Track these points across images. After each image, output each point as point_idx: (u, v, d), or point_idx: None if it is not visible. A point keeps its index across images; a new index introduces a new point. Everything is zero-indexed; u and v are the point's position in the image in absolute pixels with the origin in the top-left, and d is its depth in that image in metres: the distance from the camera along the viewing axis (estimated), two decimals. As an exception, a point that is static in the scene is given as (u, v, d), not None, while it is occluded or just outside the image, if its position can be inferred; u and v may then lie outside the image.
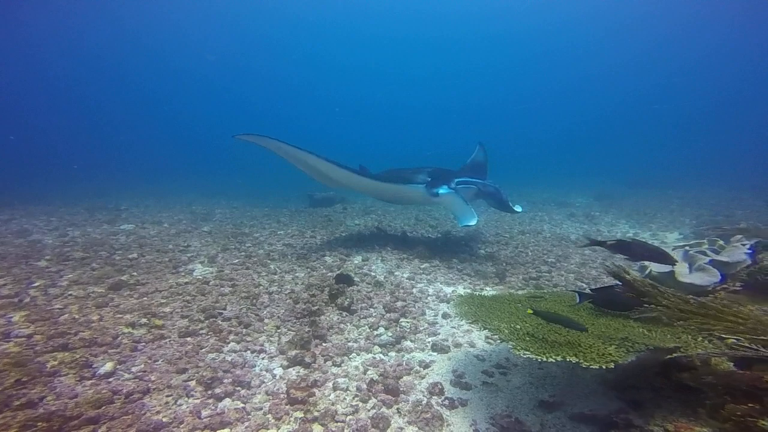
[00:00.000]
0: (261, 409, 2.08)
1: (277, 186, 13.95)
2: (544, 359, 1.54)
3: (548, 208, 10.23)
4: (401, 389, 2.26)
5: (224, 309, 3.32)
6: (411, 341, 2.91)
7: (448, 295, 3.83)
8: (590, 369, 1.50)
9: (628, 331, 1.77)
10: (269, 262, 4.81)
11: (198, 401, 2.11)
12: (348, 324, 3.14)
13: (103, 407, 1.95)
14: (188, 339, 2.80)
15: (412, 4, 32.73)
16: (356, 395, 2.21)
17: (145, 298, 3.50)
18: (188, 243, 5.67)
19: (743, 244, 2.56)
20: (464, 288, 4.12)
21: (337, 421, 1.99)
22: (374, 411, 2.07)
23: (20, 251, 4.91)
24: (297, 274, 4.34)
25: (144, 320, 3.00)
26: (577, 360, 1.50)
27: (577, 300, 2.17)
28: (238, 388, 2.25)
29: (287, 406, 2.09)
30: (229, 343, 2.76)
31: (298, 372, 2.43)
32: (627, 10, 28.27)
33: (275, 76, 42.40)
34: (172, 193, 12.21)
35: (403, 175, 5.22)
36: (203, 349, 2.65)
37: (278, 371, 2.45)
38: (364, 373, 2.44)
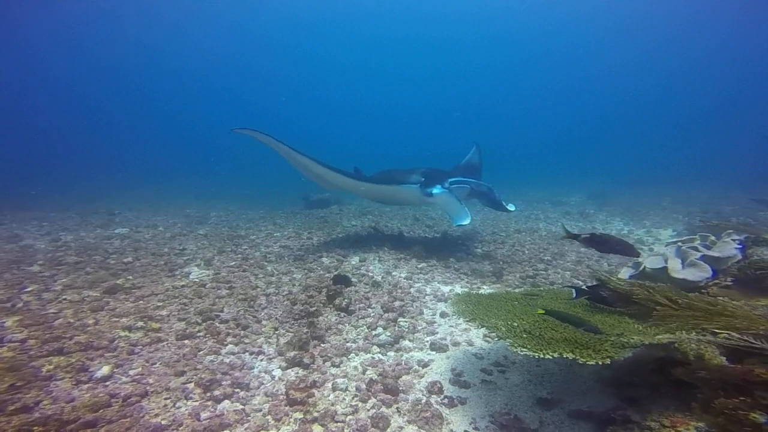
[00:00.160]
0: (260, 410, 2.08)
1: (271, 188, 13.89)
2: (542, 356, 1.56)
3: (544, 206, 10.32)
4: (400, 389, 2.27)
5: (221, 311, 3.30)
6: (409, 341, 2.92)
7: (446, 294, 3.85)
8: (587, 366, 1.51)
9: (623, 327, 1.80)
10: (266, 264, 4.80)
11: (197, 403, 2.10)
12: (346, 324, 3.14)
13: (101, 411, 1.93)
14: (186, 341, 2.78)
15: (412, 4, 32.85)
16: (355, 395, 2.21)
17: (141, 302, 3.46)
18: (184, 246, 5.62)
19: (734, 240, 2.61)
20: (462, 287, 4.15)
21: (336, 422, 1.99)
22: (374, 411, 2.08)
23: (11, 256, 4.83)
24: (294, 276, 4.33)
25: (140, 323, 2.97)
26: (574, 356, 1.52)
27: (574, 295, 2.20)
28: (237, 390, 2.24)
29: (287, 407, 2.08)
30: (227, 345, 2.75)
31: (297, 373, 2.43)
32: (627, 10, 28.61)
33: (275, 76, 42.30)
34: (166, 196, 12.09)
35: (397, 176, 5.25)
36: (201, 352, 2.64)
37: (277, 372, 2.45)
38: (363, 373, 2.44)
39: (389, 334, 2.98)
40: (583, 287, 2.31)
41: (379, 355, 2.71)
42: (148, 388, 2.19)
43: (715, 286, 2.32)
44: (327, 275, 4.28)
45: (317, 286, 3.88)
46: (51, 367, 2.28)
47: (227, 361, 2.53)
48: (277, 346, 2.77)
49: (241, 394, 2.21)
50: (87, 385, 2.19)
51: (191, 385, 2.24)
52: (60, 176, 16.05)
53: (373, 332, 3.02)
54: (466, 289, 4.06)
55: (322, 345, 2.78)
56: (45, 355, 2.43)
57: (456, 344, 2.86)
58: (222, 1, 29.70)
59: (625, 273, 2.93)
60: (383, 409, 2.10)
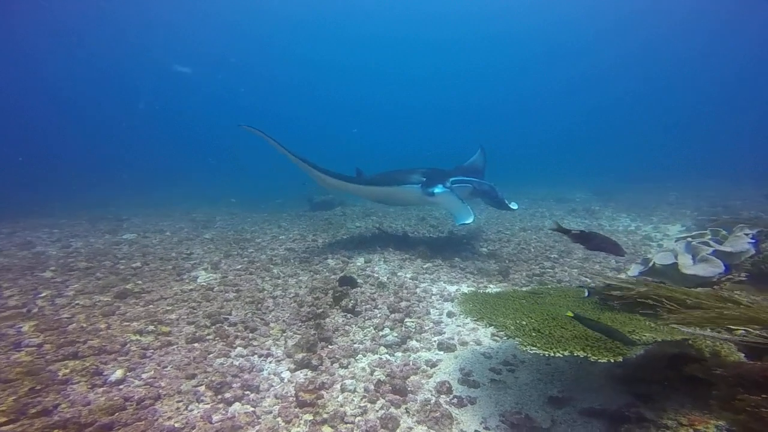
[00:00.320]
0: (271, 412, 2.10)
1: (273, 189, 13.96)
2: (552, 354, 1.55)
3: (548, 204, 10.24)
4: (409, 389, 2.27)
5: (230, 314, 3.33)
6: (417, 341, 2.92)
7: (452, 294, 3.84)
8: (598, 364, 1.50)
9: (634, 325, 1.78)
10: (272, 266, 4.83)
11: (208, 406, 2.13)
12: (353, 326, 3.15)
13: (116, 414, 1.97)
14: (196, 345, 2.81)
15: (412, 4, 32.87)
16: (364, 396, 2.22)
17: (151, 306, 3.51)
18: (191, 250, 5.69)
19: (746, 234, 2.56)
20: (468, 286, 4.13)
21: (346, 423, 2.00)
22: (383, 411, 2.08)
23: (25, 263, 4.94)
24: (300, 278, 4.35)
25: (151, 327, 3.01)
26: (585, 354, 1.51)
27: (586, 294, 2.20)
28: (248, 392, 2.26)
29: (296, 409, 2.10)
30: (236, 347, 2.78)
31: (306, 375, 2.44)
32: (627, 9, 28.33)
33: (275, 77, 42.59)
34: (171, 201, 12.23)
35: (398, 176, 5.27)
36: (211, 355, 2.67)
37: (286, 374, 2.46)
38: (371, 374, 2.45)
39: (396, 334, 2.98)
40: (591, 285, 2.31)
41: (387, 355, 2.71)
42: (160, 391, 2.22)
43: (728, 282, 2.29)
44: (333, 277, 4.29)
45: (323, 287, 3.90)
46: (67, 371, 2.32)
47: (237, 363, 2.56)
48: (285, 348, 2.78)
49: (252, 396, 2.23)
50: (102, 388, 2.23)
51: (202, 388, 2.27)
52: (64, 181, 16.35)
53: (380, 333, 3.03)
54: (472, 289, 4.05)
55: (330, 346, 2.79)
56: (61, 359, 2.48)
57: (464, 344, 2.86)
58: (222, 2, 30.01)
59: (634, 270, 2.90)
60: (392, 409, 2.10)
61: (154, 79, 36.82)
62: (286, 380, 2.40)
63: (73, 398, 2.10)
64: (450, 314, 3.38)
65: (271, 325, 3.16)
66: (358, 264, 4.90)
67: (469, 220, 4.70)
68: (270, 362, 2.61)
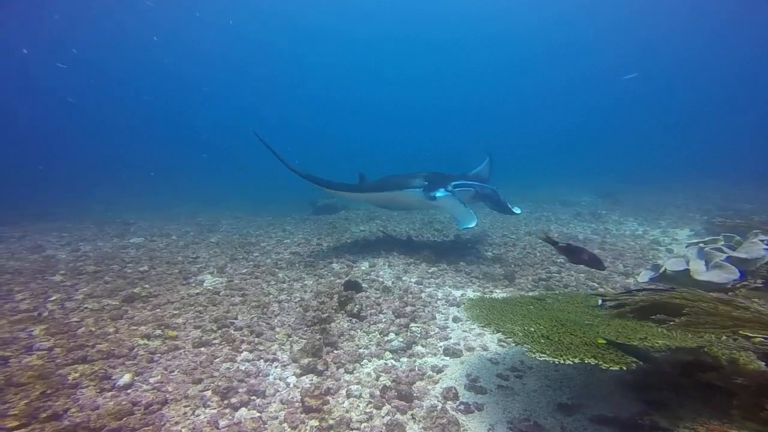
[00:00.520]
0: (277, 418, 2.09)
1: (275, 190, 14.02)
2: (562, 362, 1.53)
3: (553, 207, 10.15)
4: (415, 395, 2.25)
5: (236, 318, 3.34)
6: (422, 346, 2.90)
7: (458, 299, 3.82)
8: (608, 370, 1.47)
9: (645, 332, 1.75)
10: (277, 270, 4.85)
11: (215, 411, 2.13)
12: (358, 330, 3.14)
13: (124, 419, 1.97)
14: (202, 349, 2.82)
15: (412, 4, 33.12)
16: (370, 402, 2.20)
17: (158, 310, 3.54)
18: (197, 254, 5.74)
19: (761, 240, 2.51)
20: (473, 291, 4.10)
21: (352, 429, 1.99)
22: (389, 417, 2.06)
23: (36, 266, 5.02)
24: (305, 282, 4.36)
25: (158, 331, 3.03)
26: (596, 362, 1.48)
27: (599, 303, 2.18)
28: (254, 398, 2.26)
29: (302, 415, 2.09)
30: (242, 352, 2.78)
31: (312, 380, 2.44)
32: (627, 9, 28.31)
33: (275, 77, 43.02)
34: (176, 204, 12.37)
35: (400, 181, 5.28)
36: (217, 359, 2.67)
37: (292, 379, 2.46)
38: (377, 380, 2.43)
39: (402, 339, 2.96)
40: (602, 292, 2.29)
41: (392, 361, 2.70)
42: (167, 395, 2.23)
43: (743, 288, 2.24)
44: (338, 281, 4.29)
45: (328, 292, 3.90)
46: (76, 375, 2.34)
47: (243, 368, 2.56)
48: (290, 352, 2.78)
49: (258, 401, 2.23)
50: (110, 392, 2.25)
51: (209, 393, 2.27)
52: (65, 182, 16.59)
53: (386, 338, 3.01)
54: (478, 293, 4.02)
55: (335, 351, 2.78)
56: (70, 363, 2.50)
57: (470, 349, 2.83)
58: (222, 3, 30.51)
59: (644, 275, 2.86)
60: (398, 415, 2.09)
61: (154, 79, 37.35)
62: (291, 385, 2.39)
63: (83, 402, 2.12)
64: (456, 319, 3.35)
65: (277, 329, 3.16)
66: (363, 268, 4.90)
67: (472, 224, 4.69)
68: (276, 367, 2.61)
